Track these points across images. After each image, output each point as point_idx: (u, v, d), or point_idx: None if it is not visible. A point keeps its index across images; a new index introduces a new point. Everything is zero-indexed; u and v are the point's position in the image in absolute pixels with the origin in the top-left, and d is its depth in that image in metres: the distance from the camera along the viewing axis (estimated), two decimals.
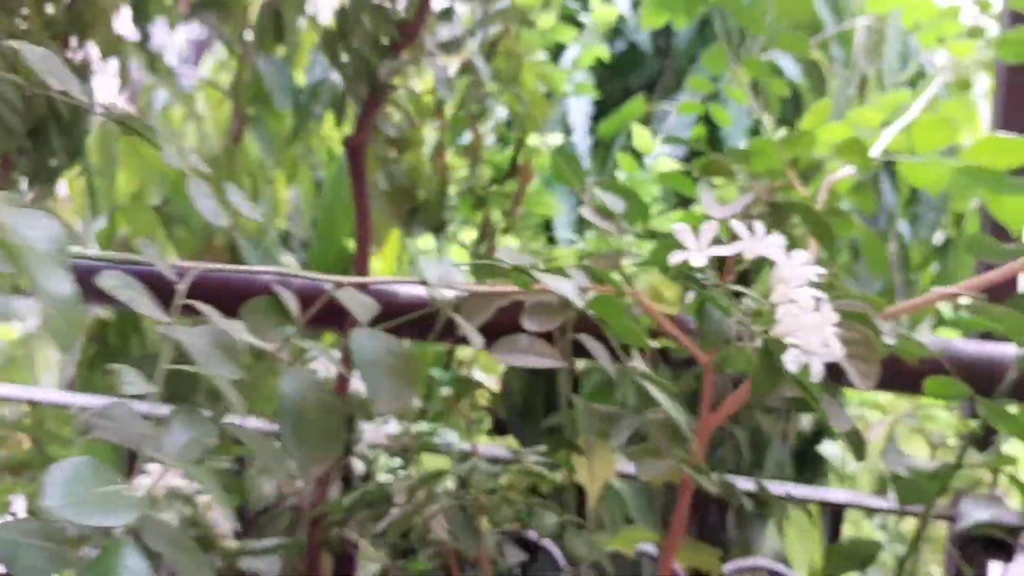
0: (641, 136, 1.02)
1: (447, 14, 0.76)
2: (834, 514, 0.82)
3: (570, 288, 0.45)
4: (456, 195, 0.80)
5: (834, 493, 0.84)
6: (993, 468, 0.75)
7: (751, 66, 0.87)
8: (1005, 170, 0.72)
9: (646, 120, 1.51)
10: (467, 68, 0.74)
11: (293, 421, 0.38)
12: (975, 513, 0.76)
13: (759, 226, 0.43)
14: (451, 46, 0.77)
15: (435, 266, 0.52)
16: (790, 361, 0.43)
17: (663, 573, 0.69)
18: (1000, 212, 0.76)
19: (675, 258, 0.42)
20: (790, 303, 0.40)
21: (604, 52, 1.22)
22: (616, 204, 0.61)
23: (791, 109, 1.41)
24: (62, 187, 1.46)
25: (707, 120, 1.42)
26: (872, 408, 1.04)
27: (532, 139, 0.84)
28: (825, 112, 0.89)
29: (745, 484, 0.76)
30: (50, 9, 0.87)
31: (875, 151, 0.74)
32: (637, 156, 1.07)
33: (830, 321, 0.41)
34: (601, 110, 1.62)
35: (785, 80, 1.43)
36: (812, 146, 0.73)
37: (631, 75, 1.76)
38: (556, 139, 1.04)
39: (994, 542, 0.74)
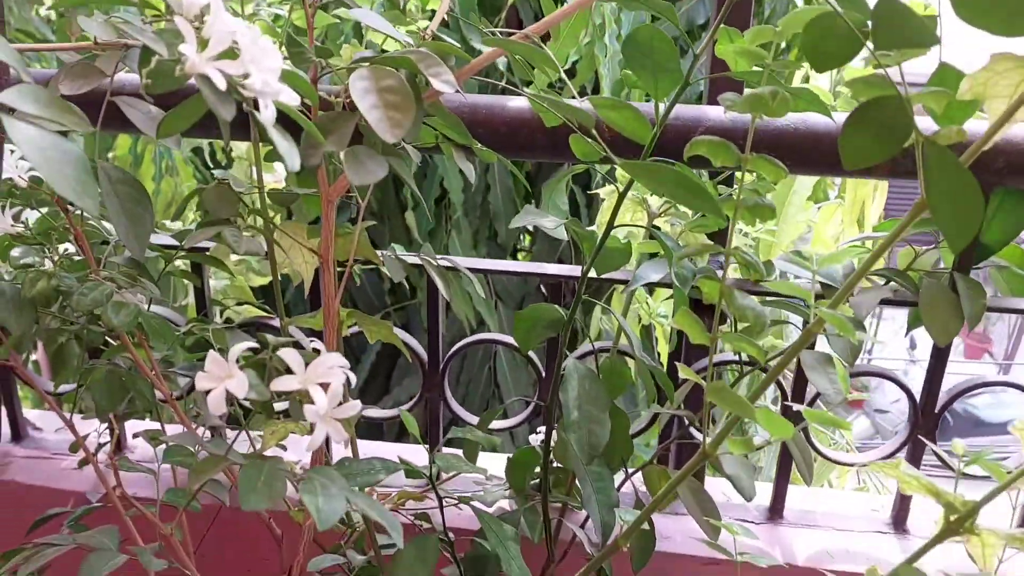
0: None
1: None
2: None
3: None
4: None
5: (506, 264, 0.86)
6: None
7: None
8: None
9: None
10: None
11: None
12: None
13: None
14: None
15: None
16: (263, 108, 0.42)
17: (328, 344, 0.72)
18: None
19: None
20: (214, 36, 0.38)
21: None
22: None
23: None
24: None
25: None
26: None
27: None
28: None
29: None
30: None
31: None
32: None
33: (271, 57, 0.40)
34: None
35: None
36: None
37: None
38: None
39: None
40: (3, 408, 1.07)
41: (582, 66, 1.32)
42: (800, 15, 0.52)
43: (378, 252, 0.71)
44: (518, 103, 0.80)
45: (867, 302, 0.79)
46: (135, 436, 0.75)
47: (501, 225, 1.74)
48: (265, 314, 0.98)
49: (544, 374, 0.92)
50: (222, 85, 0.37)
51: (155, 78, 0.40)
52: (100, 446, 0.80)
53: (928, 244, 0.89)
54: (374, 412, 1.01)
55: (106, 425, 0.81)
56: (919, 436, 0.89)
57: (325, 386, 0.47)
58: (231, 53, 0.39)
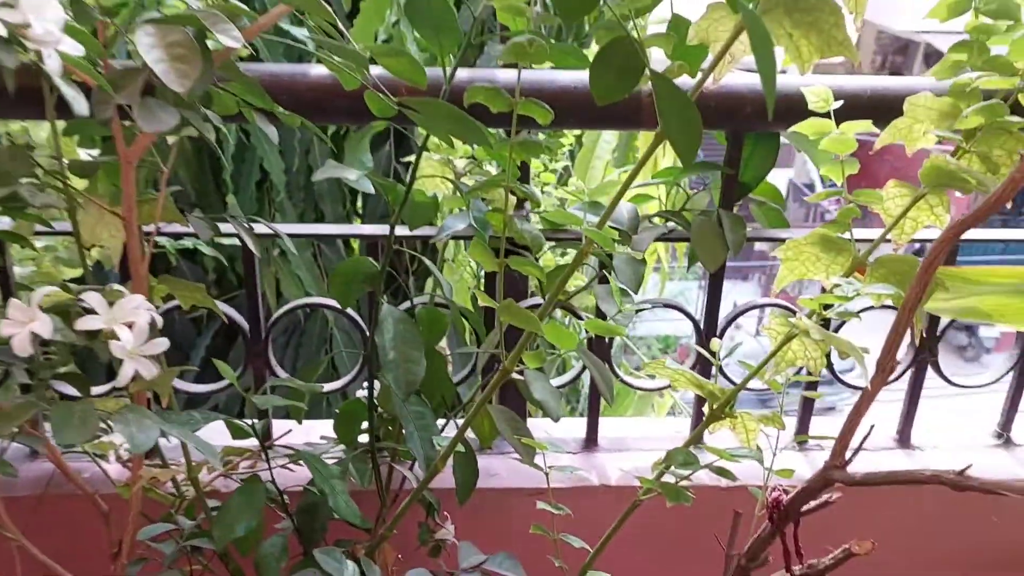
0: None
1: None
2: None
3: None
4: None
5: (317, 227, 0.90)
6: None
7: None
8: None
9: None
10: None
11: None
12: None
13: None
14: None
15: None
16: (47, 59, 0.44)
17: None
18: None
19: None
20: None
21: None
22: None
23: None
24: None
25: None
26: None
27: None
28: None
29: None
30: None
31: None
32: None
33: (53, 8, 0.42)
34: None
35: None
36: None
37: None
38: None
39: None
40: None
41: (394, 41, 1.37)
42: None
43: (186, 217, 0.73)
44: (320, 70, 0.84)
45: (646, 237, 0.90)
46: None
47: (326, 206, 1.76)
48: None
49: (368, 330, 0.96)
50: (3, 32, 0.39)
51: None
52: None
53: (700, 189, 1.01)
54: (201, 388, 1.02)
55: None
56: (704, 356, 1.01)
57: (131, 325, 0.50)
58: (8, 4, 0.41)
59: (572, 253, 0.99)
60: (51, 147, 0.73)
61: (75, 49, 0.44)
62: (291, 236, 0.83)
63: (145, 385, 0.58)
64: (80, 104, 0.44)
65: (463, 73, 0.80)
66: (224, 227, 0.77)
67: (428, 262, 0.85)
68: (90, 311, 0.49)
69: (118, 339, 0.48)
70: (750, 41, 0.49)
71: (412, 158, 1.15)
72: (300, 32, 1.41)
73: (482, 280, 1.49)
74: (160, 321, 0.53)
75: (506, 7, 0.60)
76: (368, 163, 0.76)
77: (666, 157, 1.36)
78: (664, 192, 1.11)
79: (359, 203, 1.98)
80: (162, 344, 0.51)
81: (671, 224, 0.95)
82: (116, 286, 0.54)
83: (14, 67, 0.41)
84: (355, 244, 2.18)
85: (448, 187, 1.02)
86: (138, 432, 0.47)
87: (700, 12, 0.62)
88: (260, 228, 0.79)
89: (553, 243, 0.93)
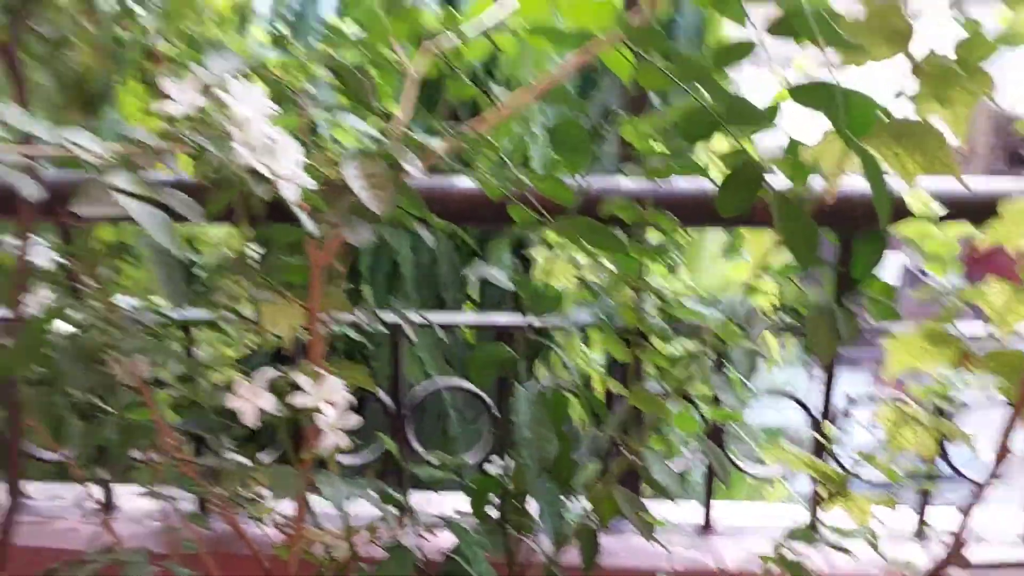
0: None
1: None
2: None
3: None
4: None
5: (460, 316, 1.01)
6: None
7: None
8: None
9: None
10: None
11: None
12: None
13: (243, 83, 0.55)
14: None
15: None
16: (285, 189, 0.57)
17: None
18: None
19: (157, 106, 0.54)
20: (254, 139, 0.53)
21: None
22: None
23: None
24: None
25: None
26: None
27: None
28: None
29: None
30: None
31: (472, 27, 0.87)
32: None
33: (292, 152, 0.54)
34: None
35: None
36: (419, 21, 0.86)
37: None
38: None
39: None
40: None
41: (515, 154, 1.51)
42: (679, 106, 0.69)
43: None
44: (464, 182, 0.96)
45: (760, 329, 0.96)
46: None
47: (448, 294, 1.89)
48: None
49: (496, 409, 1.05)
50: (266, 172, 0.52)
51: (204, 168, 0.54)
52: (102, 505, 0.90)
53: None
54: (355, 460, 1.12)
55: (96, 488, 0.91)
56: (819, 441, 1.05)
57: (331, 403, 0.60)
58: (266, 150, 0.54)
59: (683, 340, 1.06)
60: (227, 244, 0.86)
61: (310, 183, 0.56)
62: (442, 326, 0.94)
63: (318, 454, 0.68)
64: (309, 224, 0.56)
65: (591, 180, 0.90)
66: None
67: (557, 349, 0.94)
68: (298, 388, 0.60)
69: (323, 414, 0.58)
70: (862, 169, 0.57)
71: (535, 251, 1.26)
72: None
73: (593, 364, 1.57)
74: (354, 401, 0.63)
75: (636, 134, 0.70)
76: (507, 263, 0.87)
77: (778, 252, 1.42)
78: (774, 283, 1.17)
79: (473, 291, 2.11)
80: (355, 420, 0.61)
81: (784, 316, 1.01)
82: (314, 367, 0.65)
83: (268, 198, 0.53)
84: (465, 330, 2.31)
85: (571, 280, 1.11)
86: (334, 492, 0.57)
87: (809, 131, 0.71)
88: (414, 317, 0.90)
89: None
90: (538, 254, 1.25)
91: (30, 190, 0.54)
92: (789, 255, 0.93)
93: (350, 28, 1.14)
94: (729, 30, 1.58)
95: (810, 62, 0.70)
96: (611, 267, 1.09)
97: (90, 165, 0.54)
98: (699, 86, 0.63)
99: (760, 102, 0.66)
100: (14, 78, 0.82)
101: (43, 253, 0.82)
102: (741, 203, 0.67)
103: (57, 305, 0.68)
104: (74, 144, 0.51)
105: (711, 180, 0.81)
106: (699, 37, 1.53)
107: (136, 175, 0.54)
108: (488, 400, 1.05)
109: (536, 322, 0.95)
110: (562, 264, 1.08)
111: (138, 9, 0.86)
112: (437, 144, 0.78)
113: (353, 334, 0.92)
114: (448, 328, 2.13)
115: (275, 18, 1.81)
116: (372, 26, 0.87)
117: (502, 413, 1.06)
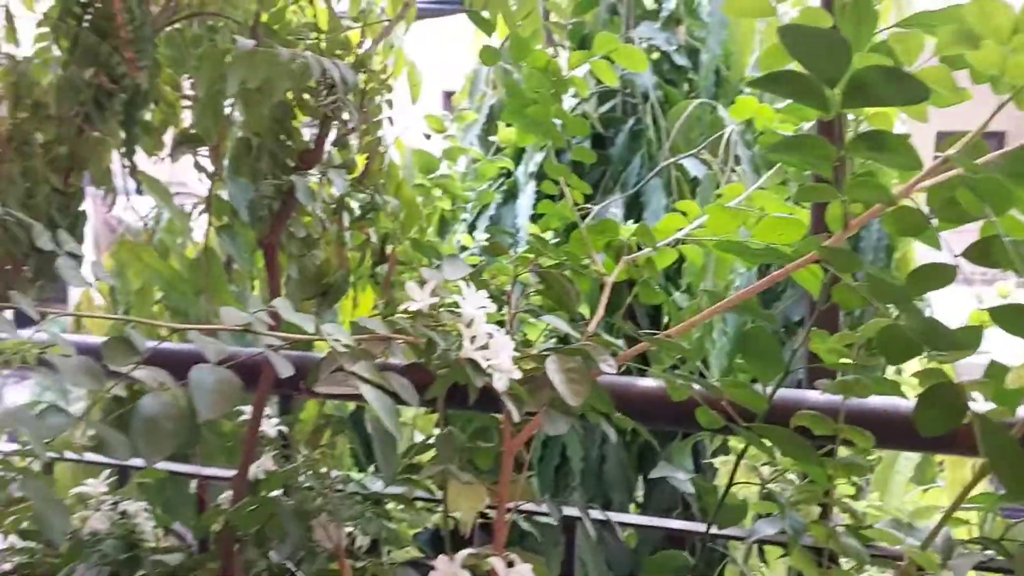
0: None
1: (341, 141, 1.00)
2: None
3: None
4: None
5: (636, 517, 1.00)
6: None
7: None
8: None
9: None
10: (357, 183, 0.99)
11: (143, 424, 0.58)
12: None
13: (472, 288, 0.64)
14: (345, 166, 1.01)
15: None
16: (497, 380, 0.63)
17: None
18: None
19: (407, 306, 0.62)
20: (476, 335, 0.60)
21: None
22: None
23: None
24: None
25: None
26: None
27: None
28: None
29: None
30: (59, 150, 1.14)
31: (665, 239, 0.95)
32: None
33: (507, 348, 0.61)
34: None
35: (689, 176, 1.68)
36: (616, 234, 0.94)
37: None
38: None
39: None
40: None
41: (691, 355, 1.54)
42: (874, 325, 0.70)
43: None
44: (646, 382, 0.99)
45: (964, 564, 0.89)
46: None
47: (615, 493, 1.87)
48: (422, 555, 1.13)
49: None
50: (484, 365, 0.58)
51: (435, 360, 0.61)
52: None
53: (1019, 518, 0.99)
54: None
55: None
56: None
57: None
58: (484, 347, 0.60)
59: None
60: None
61: (518, 375, 0.62)
62: (621, 524, 0.94)
63: None
64: (515, 412, 0.61)
65: (780, 393, 0.91)
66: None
67: (738, 562, 0.91)
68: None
69: None
70: None
71: (715, 460, 1.25)
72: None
73: None
74: None
75: (831, 349, 0.72)
76: (690, 467, 0.88)
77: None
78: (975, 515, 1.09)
79: (640, 494, 2.07)
80: None
81: (988, 551, 0.93)
82: (508, 554, 0.67)
83: (480, 386, 0.59)
84: (627, 534, 2.25)
85: (751, 491, 1.09)
86: None
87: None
88: (595, 514, 0.92)
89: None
90: (719, 463, 1.24)
91: (285, 369, 0.63)
92: (995, 483, 0.88)
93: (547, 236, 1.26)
94: (921, 252, 1.58)
95: (1010, 285, 0.70)
96: (795, 480, 1.06)
97: (336, 352, 0.63)
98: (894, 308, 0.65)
99: (954, 316, 0.67)
100: (272, 271, 0.96)
101: (269, 423, 0.92)
102: (941, 423, 0.66)
103: (281, 470, 0.76)
104: (328, 335, 0.60)
105: (905, 397, 0.80)
106: (887, 254, 1.53)
107: (371, 363, 0.62)
108: None
109: (715, 530, 0.93)
110: (744, 473, 1.06)
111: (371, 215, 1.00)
112: (624, 345, 0.83)
113: (524, 524, 0.94)
114: (611, 530, 2.10)
115: (468, 226, 1.99)
116: (573, 237, 0.97)
117: None
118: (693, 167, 1.63)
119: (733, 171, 1.44)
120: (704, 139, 1.63)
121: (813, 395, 0.92)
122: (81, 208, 1.12)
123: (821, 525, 0.69)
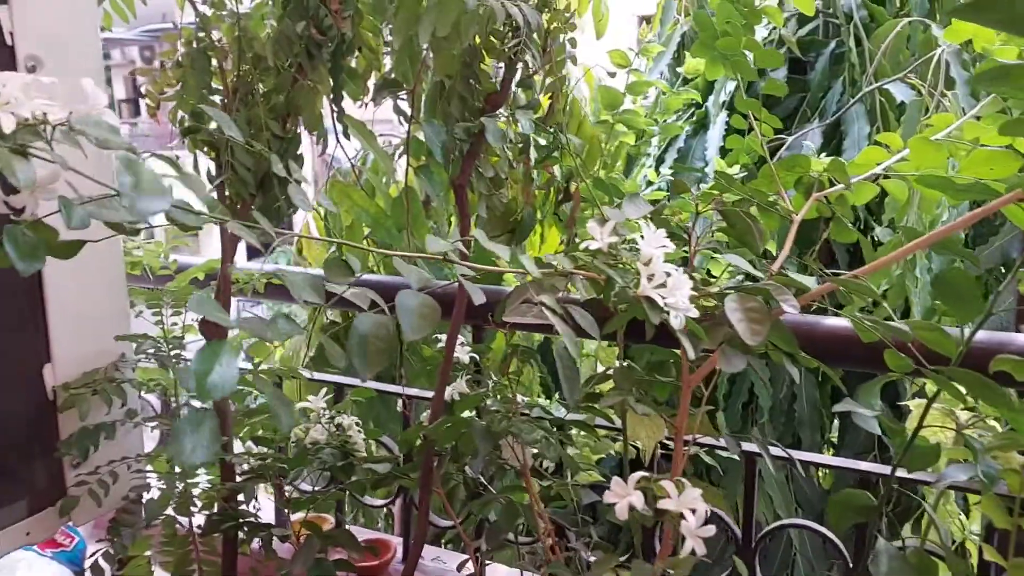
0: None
1: (526, 82, 1.04)
2: None
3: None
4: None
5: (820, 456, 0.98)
6: None
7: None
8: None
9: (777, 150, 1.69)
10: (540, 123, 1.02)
11: (357, 340, 0.66)
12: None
13: (651, 226, 0.65)
14: (530, 107, 1.04)
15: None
16: (673, 318, 0.65)
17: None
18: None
19: (587, 244, 0.65)
20: (654, 274, 0.62)
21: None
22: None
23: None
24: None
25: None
26: None
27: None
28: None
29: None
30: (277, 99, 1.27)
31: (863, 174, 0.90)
32: None
33: (685, 287, 0.62)
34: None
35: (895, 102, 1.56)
36: (807, 169, 0.91)
37: (773, 109, 1.92)
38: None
39: None
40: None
41: (891, 293, 1.45)
42: None
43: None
44: (833, 321, 0.97)
45: None
46: None
47: (805, 432, 1.83)
48: (603, 479, 1.19)
49: (851, 561, 1.01)
50: (661, 303, 0.60)
51: (613, 297, 0.64)
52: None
53: None
54: None
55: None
56: None
57: (692, 510, 0.65)
58: (663, 284, 0.62)
59: None
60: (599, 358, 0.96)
61: (695, 313, 0.63)
62: (800, 463, 0.94)
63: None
64: (691, 349, 0.63)
65: (980, 336, 0.86)
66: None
67: (928, 508, 0.89)
68: (664, 495, 0.66)
69: (685, 520, 0.64)
70: None
71: (909, 403, 1.20)
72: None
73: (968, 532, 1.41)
74: (708, 511, 0.67)
75: None
76: (877, 407, 0.85)
77: None
78: None
79: (835, 435, 2.01)
80: (711, 529, 0.65)
81: None
82: (681, 479, 0.70)
83: (657, 323, 0.62)
84: (821, 474, 2.19)
85: (947, 436, 1.04)
86: None
87: None
88: (775, 451, 0.92)
89: None
90: (913, 405, 1.19)
91: (478, 296, 0.68)
92: None
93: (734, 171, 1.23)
94: None
95: None
96: (996, 427, 1.01)
97: (526, 282, 0.67)
98: None
99: None
100: (463, 210, 1.02)
101: (463, 351, 1.00)
102: None
103: (473, 393, 0.83)
104: (522, 266, 0.64)
105: None
106: None
107: (555, 296, 0.66)
108: (843, 548, 1.01)
109: (905, 474, 0.91)
110: (939, 417, 1.02)
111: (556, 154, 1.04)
112: (813, 285, 0.81)
113: (706, 458, 0.96)
114: (804, 469, 2.06)
115: (655, 160, 1.97)
116: (762, 173, 0.95)
117: (857, 566, 1.01)
118: (899, 92, 1.52)
119: (943, 95, 1.32)
120: (914, 61, 1.51)
121: (1020, 338, 0.86)
122: (299, 152, 1.24)
123: (1015, 473, 0.66)
